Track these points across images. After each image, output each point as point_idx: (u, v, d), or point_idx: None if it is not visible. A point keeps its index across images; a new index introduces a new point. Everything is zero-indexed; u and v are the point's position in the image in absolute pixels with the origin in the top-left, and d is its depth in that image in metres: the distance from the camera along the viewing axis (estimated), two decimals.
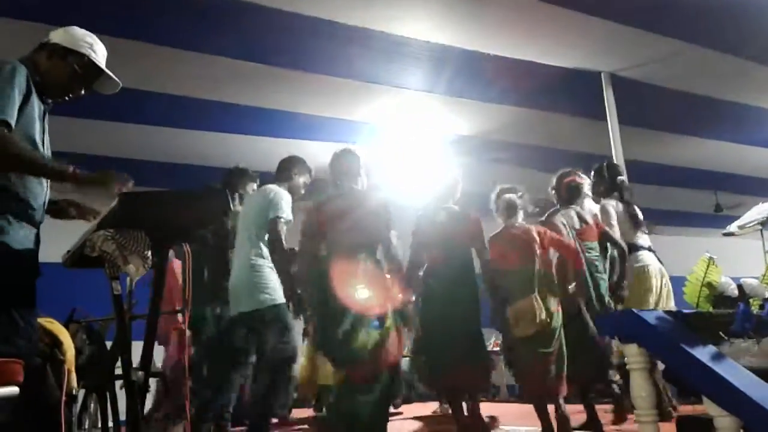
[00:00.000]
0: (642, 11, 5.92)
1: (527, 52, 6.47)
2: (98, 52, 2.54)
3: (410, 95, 7.17)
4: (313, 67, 6.42)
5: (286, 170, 4.21)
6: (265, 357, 3.85)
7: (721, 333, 2.24)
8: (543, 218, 4.40)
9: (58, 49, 2.46)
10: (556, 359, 3.69)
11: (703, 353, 2.08)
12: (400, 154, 8.23)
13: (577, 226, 4.32)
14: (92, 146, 7.41)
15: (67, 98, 2.54)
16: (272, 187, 4.05)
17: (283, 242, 3.82)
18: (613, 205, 4.66)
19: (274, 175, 4.22)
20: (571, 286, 3.92)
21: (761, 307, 2.39)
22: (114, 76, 2.59)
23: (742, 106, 8.00)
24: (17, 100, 2.25)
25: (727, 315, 2.31)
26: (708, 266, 2.41)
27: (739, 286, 2.44)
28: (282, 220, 3.85)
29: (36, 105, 2.36)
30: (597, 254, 4.26)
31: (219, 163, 7.83)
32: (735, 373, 2.04)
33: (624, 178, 5.00)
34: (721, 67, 6.96)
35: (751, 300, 2.42)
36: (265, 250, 3.93)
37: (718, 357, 2.10)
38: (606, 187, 4.84)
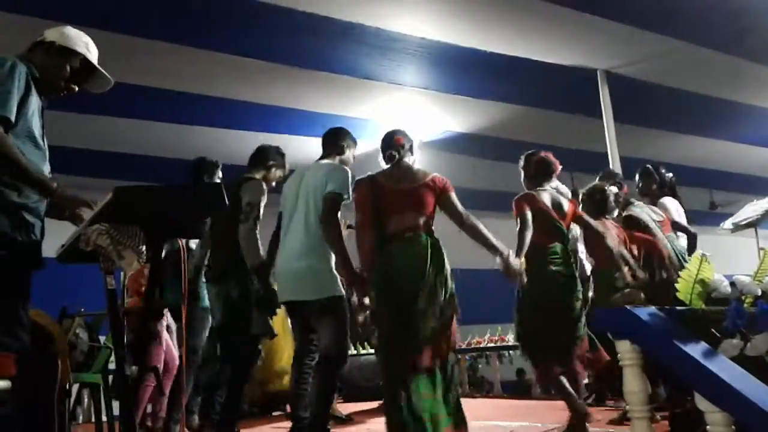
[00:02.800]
0: (638, 9, 5.94)
1: (523, 49, 6.48)
2: (92, 51, 2.59)
3: (405, 91, 7.19)
4: (308, 63, 6.43)
5: (335, 144, 3.83)
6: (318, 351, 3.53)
7: (713, 330, 2.25)
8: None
9: (55, 47, 2.49)
10: None
11: (694, 350, 2.09)
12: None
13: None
14: (88, 141, 7.41)
15: (61, 95, 2.56)
16: (333, 164, 3.68)
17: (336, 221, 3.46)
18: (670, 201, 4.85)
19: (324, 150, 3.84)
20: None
21: (753, 304, 2.40)
22: (107, 75, 2.63)
23: (737, 104, 8.04)
24: (17, 96, 2.28)
25: (719, 312, 2.32)
26: (701, 263, 2.42)
27: (732, 284, 2.44)
28: (344, 196, 3.45)
29: (35, 101, 2.39)
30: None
31: (214, 159, 7.84)
32: (726, 369, 2.05)
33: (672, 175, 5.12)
34: (716, 66, 6.99)
35: (743, 297, 2.42)
36: None
37: (709, 353, 2.11)
38: (658, 185, 4.95)
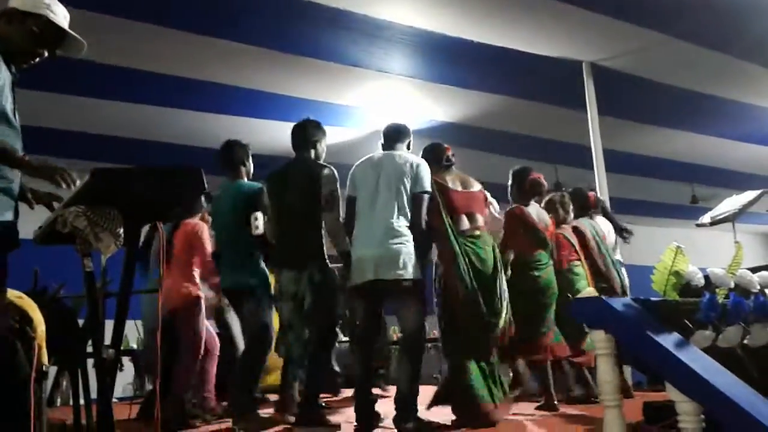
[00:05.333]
0: (625, 3, 5.97)
1: (510, 40, 6.48)
2: (57, 12, 2.51)
3: (392, 79, 7.17)
4: (295, 48, 6.39)
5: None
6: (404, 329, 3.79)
7: (686, 321, 2.28)
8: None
9: (16, 13, 2.43)
10: None
11: (667, 340, 2.12)
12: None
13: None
14: (68, 122, 7.35)
15: (32, 62, 2.51)
16: (416, 158, 3.91)
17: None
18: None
19: (384, 144, 4.04)
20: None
21: (726, 296, 2.44)
22: (78, 36, 2.55)
23: (721, 99, 8.10)
24: None
25: (693, 303, 2.35)
26: (676, 255, 2.44)
27: (706, 276, 2.48)
28: (427, 196, 3.80)
29: (4, 74, 2.33)
30: None
31: (197, 143, 7.81)
32: (697, 360, 2.08)
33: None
34: (700, 61, 7.03)
35: (717, 290, 2.46)
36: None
37: (681, 344, 2.14)
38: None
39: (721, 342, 2.30)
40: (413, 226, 3.72)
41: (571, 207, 5.05)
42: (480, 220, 3.97)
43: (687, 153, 9.99)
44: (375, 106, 7.69)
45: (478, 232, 3.91)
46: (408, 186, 3.75)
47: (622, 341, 2.29)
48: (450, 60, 6.83)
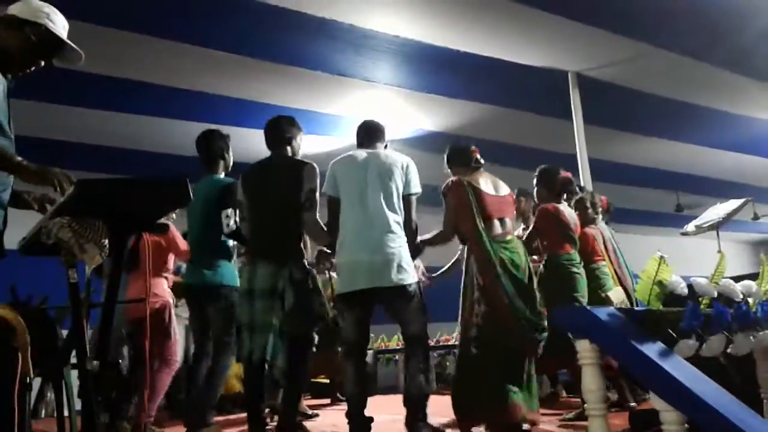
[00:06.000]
0: (610, 14, 6.01)
1: (495, 50, 6.52)
2: (56, 22, 2.51)
3: (378, 89, 7.19)
4: (281, 57, 6.40)
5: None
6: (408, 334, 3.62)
7: (670, 330, 2.30)
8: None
9: (14, 20, 2.44)
10: None
11: (651, 349, 2.13)
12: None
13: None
14: (54, 131, 7.31)
15: (28, 70, 2.50)
16: (404, 157, 3.79)
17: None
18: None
19: (364, 141, 3.94)
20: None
21: (709, 305, 2.46)
22: (75, 46, 2.56)
23: (705, 109, 8.19)
24: None
25: (676, 313, 2.36)
26: (659, 265, 2.46)
27: (689, 285, 2.49)
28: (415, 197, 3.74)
29: None
30: None
31: (185, 152, 7.75)
32: (681, 369, 2.10)
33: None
34: (685, 71, 7.11)
35: (700, 299, 2.48)
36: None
37: (665, 353, 2.15)
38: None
39: (705, 351, 2.32)
40: (406, 229, 3.63)
41: (600, 208, 5.08)
42: (510, 224, 3.90)
43: (672, 161, 10.08)
44: (361, 116, 7.68)
45: (509, 237, 3.82)
46: (400, 187, 3.65)
47: (606, 350, 2.30)
48: (436, 69, 6.86)
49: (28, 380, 2.72)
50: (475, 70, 6.83)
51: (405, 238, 3.60)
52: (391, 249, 3.50)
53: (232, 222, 3.83)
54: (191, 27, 5.81)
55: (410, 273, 3.54)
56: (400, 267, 3.50)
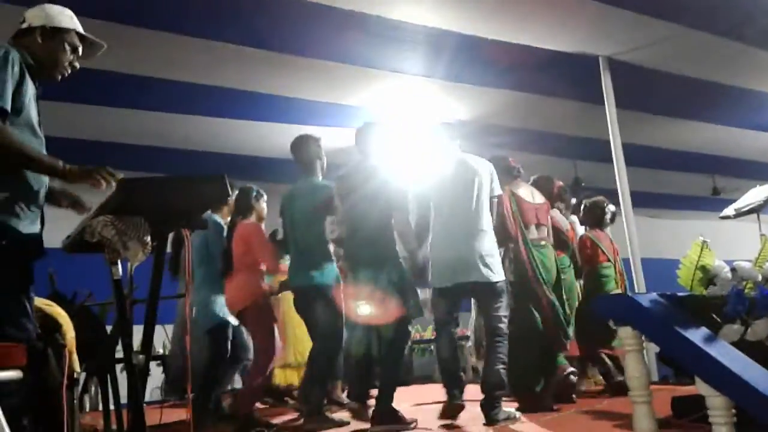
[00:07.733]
0: None
1: (525, 36, 6.46)
2: (76, 21, 2.56)
3: (407, 80, 7.17)
4: (310, 51, 6.40)
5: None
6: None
7: (714, 315, 2.27)
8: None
9: (47, 30, 2.47)
10: None
11: (695, 335, 2.11)
12: (398, 140, 8.23)
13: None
14: (84, 131, 7.40)
15: (65, 75, 2.55)
16: (487, 162, 4.11)
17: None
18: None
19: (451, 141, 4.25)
20: None
21: (754, 289, 2.42)
22: (97, 39, 2.61)
23: (740, 89, 8.01)
24: (11, 84, 2.26)
25: (720, 298, 2.34)
26: (702, 250, 2.43)
27: (733, 270, 2.46)
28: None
29: (30, 89, 2.37)
30: None
31: (215, 149, 7.87)
32: (726, 354, 2.07)
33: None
34: (718, 51, 6.96)
35: (744, 283, 2.44)
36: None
37: (710, 339, 2.13)
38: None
39: (750, 335, 2.29)
40: (494, 228, 3.97)
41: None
42: (545, 230, 4.35)
43: (706, 144, 9.89)
44: (392, 108, 7.68)
45: (544, 242, 4.31)
46: (487, 189, 3.96)
47: (649, 337, 2.28)
48: (464, 58, 6.80)
49: (75, 375, 2.79)
50: (505, 57, 6.76)
51: (492, 237, 3.92)
52: (484, 248, 3.86)
53: (336, 229, 4.15)
54: (219, 24, 5.84)
55: (501, 269, 3.94)
56: (490, 264, 3.85)
